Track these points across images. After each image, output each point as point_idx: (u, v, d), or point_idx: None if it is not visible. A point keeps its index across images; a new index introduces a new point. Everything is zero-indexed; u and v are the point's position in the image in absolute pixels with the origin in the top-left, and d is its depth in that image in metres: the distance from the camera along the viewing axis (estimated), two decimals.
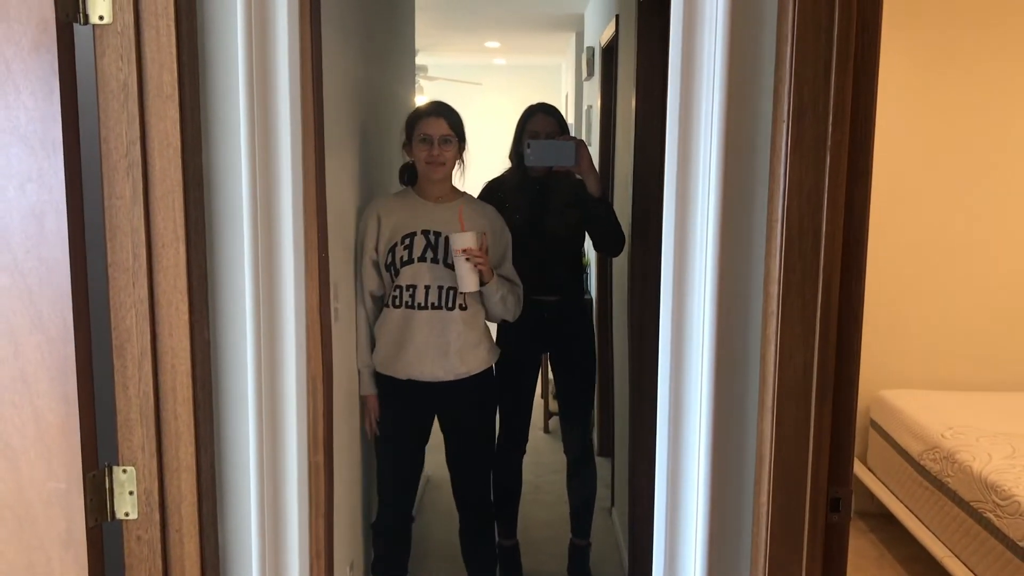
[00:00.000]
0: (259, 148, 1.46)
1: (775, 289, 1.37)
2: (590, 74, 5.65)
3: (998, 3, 3.94)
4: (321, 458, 1.82)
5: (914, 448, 3.61)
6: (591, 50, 5.58)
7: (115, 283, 1.37)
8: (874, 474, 4.01)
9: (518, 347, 3.22)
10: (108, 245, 1.36)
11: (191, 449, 1.42)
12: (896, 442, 3.80)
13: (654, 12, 3.00)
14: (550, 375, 5.06)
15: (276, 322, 1.53)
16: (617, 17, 4.00)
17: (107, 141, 1.34)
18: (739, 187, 1.43)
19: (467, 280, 2.66)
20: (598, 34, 5.06)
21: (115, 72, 1.33)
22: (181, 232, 1.38)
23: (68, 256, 1.30)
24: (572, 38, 7.58)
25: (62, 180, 1.29)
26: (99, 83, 1.34)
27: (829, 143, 1.32)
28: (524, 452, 3.40)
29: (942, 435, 3.49)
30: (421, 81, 9.17)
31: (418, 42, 7.95)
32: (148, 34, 1.34)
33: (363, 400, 2.83)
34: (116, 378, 1.39)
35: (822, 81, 1.32)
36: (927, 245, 4.07)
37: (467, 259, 2.62)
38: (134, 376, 1.39)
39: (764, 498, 1.42)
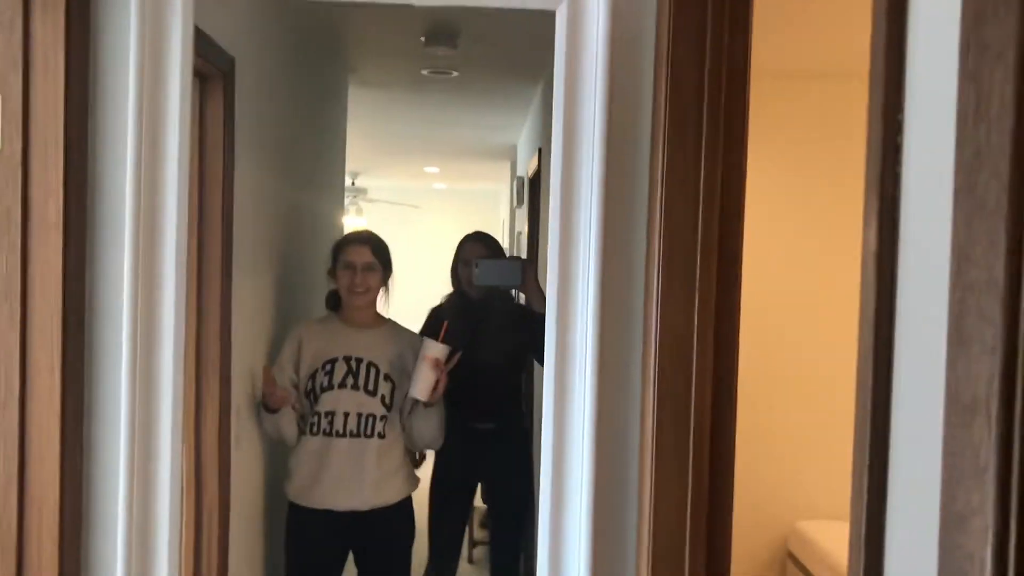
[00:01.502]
0: (143, 277, 1.45)
1: (650, 423, 1.40)
2: (520, 202, 5.79)
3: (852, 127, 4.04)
4: None
5: None
6: (520, 180, 5.74)
7: None
8: None
9: (453, 476, 3.19)
10: None
11: None
12: (812, 575, 3.78)
13: None
14: (476, 502, 4.98)
15: (152, 455, 1.49)
16: (539, 150, 4.14)
17: None
18: (615, 323, 1.47)
19: (422, 388, 2.63)
20: (527, 165, 5.22)
21: None
22: (58, 361, 1.37)
23: None
24: (508, 166, 7.78)
25: None
26: None
27: (697, 284, 1.38)
28: None
29: None
30: (361, 203, 9.29)
31: (359, 165, 8.10)
32: (36, 163, 1.36)
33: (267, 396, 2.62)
34: None
35: (691, 229, 1.39)
36: (831, 377, 4.09)
37: (432, 369, 2.61)
38: None
39: None
